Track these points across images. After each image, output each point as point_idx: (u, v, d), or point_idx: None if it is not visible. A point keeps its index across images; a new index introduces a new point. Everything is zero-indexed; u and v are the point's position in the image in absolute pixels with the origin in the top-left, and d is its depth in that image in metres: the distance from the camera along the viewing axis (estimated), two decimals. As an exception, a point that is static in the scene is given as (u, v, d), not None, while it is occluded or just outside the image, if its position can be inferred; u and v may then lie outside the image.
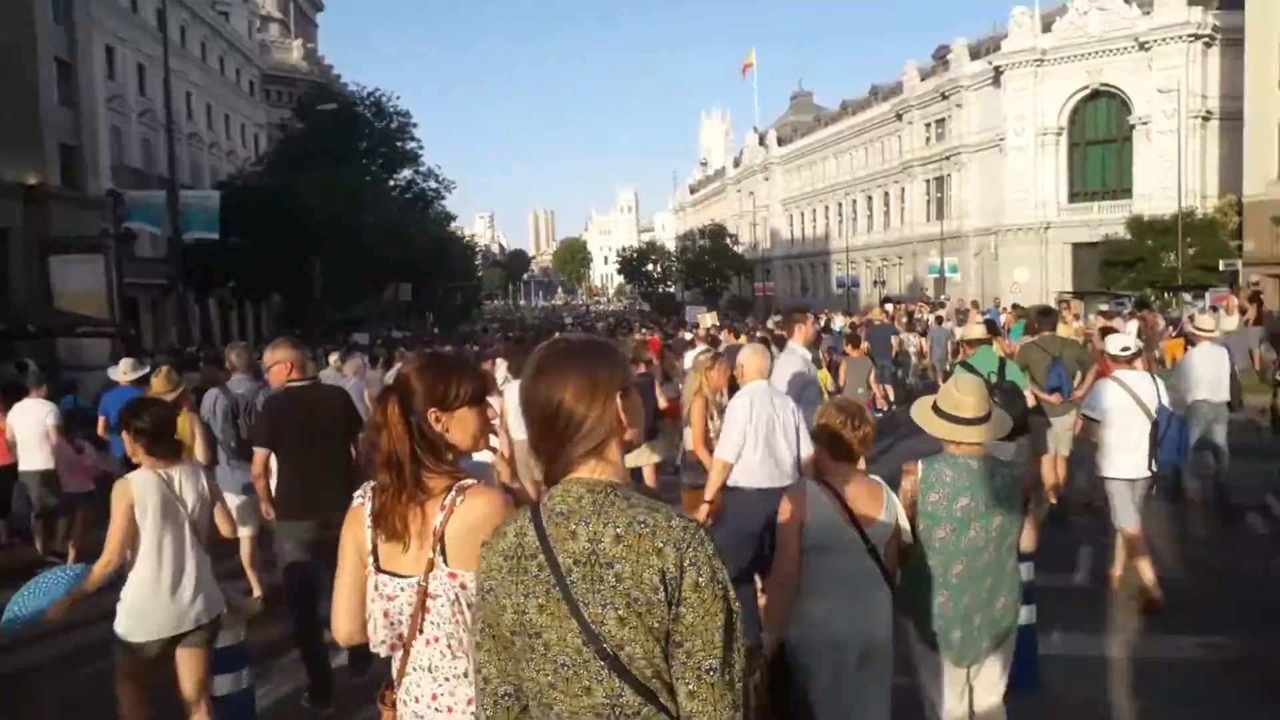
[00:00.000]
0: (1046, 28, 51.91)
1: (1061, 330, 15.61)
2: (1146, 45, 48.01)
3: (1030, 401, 8.73)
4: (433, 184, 57.06)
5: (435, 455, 2.46)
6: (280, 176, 41.56)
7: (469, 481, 2.46)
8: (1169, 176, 44.18)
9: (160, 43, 41.44)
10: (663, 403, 10.55)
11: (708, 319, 27.99)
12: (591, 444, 1.87)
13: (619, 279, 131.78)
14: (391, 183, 54.88)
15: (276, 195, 36.18)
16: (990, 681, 3.95)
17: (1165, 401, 6.89)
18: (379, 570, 2.46)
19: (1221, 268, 34.61)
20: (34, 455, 8.89)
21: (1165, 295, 32.82)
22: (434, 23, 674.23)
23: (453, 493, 2.42)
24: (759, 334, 18.51)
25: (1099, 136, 52.43)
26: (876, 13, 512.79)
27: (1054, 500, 9.35)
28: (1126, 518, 6.87)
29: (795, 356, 7.67)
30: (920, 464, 3.86)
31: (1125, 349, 7.30)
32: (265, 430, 5.72)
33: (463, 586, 2.37)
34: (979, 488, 3.73)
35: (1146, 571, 6.79)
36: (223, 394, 7.75)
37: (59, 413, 9.23)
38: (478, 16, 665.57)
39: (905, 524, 3.79)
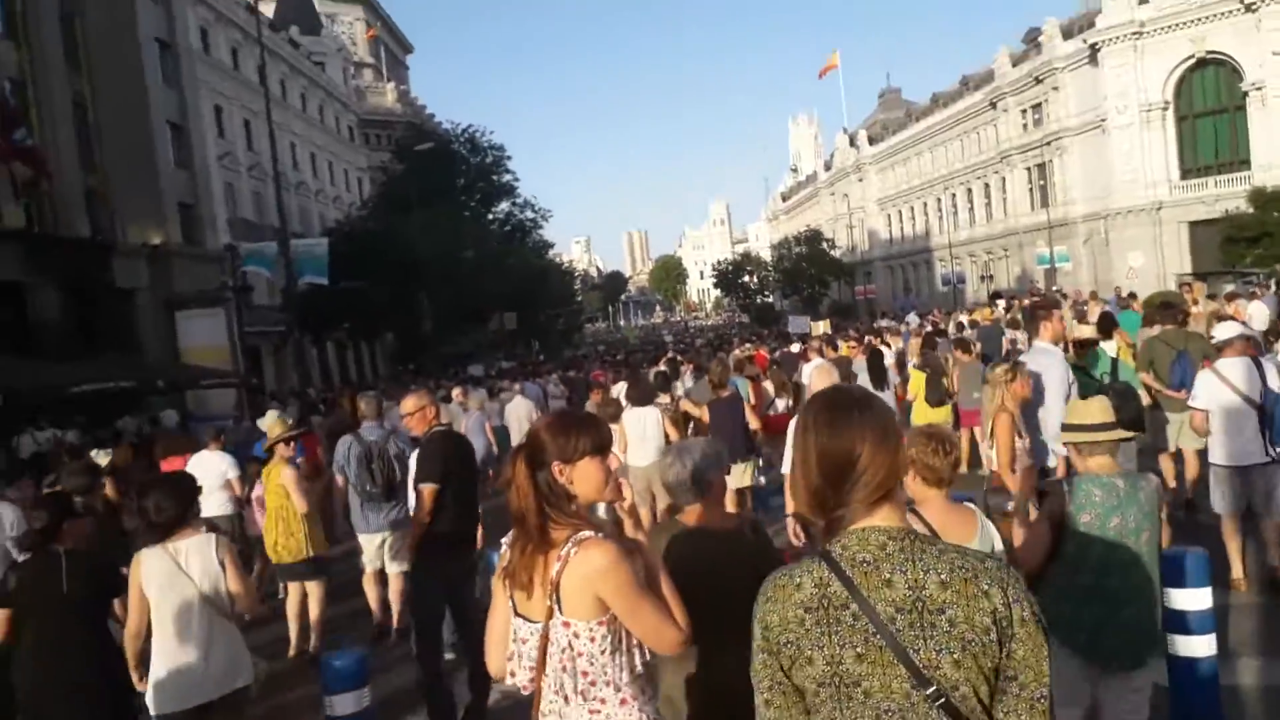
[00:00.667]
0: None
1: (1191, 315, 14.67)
2: (1254, 6, 45.54)
3: (1145, 399, 8.49)
4: (530, 214, 58.06)
5: (560, 509, 2.58)
6: (384, 219, 42.82)
7: (586, 534, 2.56)
8: (1289, 143, 41.98)
9: (263, 97, 43.42)
10: (754, 423, 10.09)
11: (820, 327, 27.59)
12: (882, 491, 1.91)
13: (716, 293, 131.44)
14: (490, 216, 56.01)
15: (381, 239, 37.28)
16: (1135, 693, 3.96)
17: (1274, 385, 6.75)
18: (516, 614, 2.65)
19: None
20: (210, 501, 9.21)
21: (1298, 271, 31.02)
22: (518, 53, 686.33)
23: (569, 545, 2.53)
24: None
25: (1209, 107, 50.02)
26: (960, 1, 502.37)
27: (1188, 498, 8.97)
28: (1219, 503, 6.92)
29: (1049, 358, 6.80)
30: (1067, 485, 3.94)
31: (1212, 337, 7.38)
32: (437, 466, 5.86)
33: (575, 635, 2.53)
34: (1128, 507, 3.83)
35: (1233, 551, 6.86)
36: (356, 441, 8.06)
37: (236, 463, 9.77)
38: (559, 45, 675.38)
39: (1000, 546, 3.85)
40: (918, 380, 11.35)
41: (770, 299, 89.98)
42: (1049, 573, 3.93)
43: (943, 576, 1.82)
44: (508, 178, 55.07)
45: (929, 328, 21.77)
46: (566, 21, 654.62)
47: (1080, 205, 55.04)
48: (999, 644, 1.80)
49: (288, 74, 48.66)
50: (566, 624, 2.52)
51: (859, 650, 1.83)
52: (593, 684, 2.54)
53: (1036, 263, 55.35)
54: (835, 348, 18.83)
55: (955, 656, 1.79)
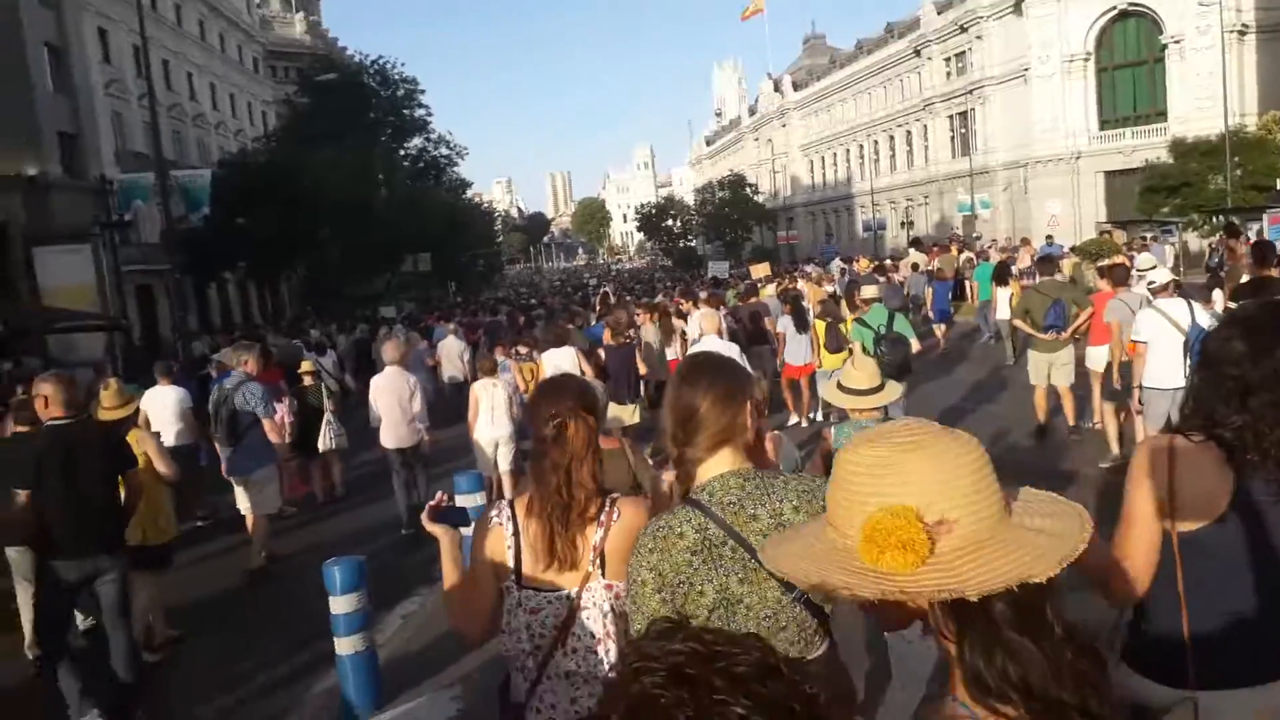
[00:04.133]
0: (1069, -51, 49.67)
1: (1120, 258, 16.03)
2: (1175, -41, 45.67)
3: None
4: (444, 151, 55.88)
5: (596, 473, 2.59)
6: (287, 153, 40.59)
7: (615, 494, 2.63)
8: (1206, 96, 42.19)
9: (157, 23, 40.57)
10: (643, 369, 11.34)
11: (761, 270, 27.05)
12: (720, 439, 2.32)
13: (639, 236, 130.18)
14: (402, 152, 53.78)
15: (282, 172, 35.17)
16: None
17: (1201, 322, 7.68)
18: (521, 586, 2.54)
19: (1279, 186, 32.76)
20: (169, 433, 9.76)
21: (1214, 219, 31.17)
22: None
23: (607, 507, 2.56)
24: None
25: (1129, 59, 50.15)
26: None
27: (1041, 421, 10.70)
28: (1153, 421, 7.89)
29: None
30: (831, 430, 4.82)
31: (1151, 283, 8.62)
32: (28, 471, 5.39)
33: (616, 596, 2.51)
34: None
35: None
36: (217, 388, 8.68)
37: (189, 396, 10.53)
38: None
39: (796, 457, 4.68)
40: (819, 328, 12.30)
41: (693, 243, 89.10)
42: None
43: (793, 503, 2.26)
44: (420, 112, 52.70)
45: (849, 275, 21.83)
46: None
47: (1001, 154, 55.10)
48: None
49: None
50: (610, 586, 2.52)
51: (739, 575, 2.19)
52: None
53: (957, 210, 55.43)
54: (754, 292, 18.22)
55: None
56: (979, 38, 56.29)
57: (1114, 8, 48.66)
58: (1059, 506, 1.34)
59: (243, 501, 8.71)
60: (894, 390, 4.82)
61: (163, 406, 10.07)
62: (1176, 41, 46.25)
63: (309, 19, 70.35)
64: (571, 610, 2.50)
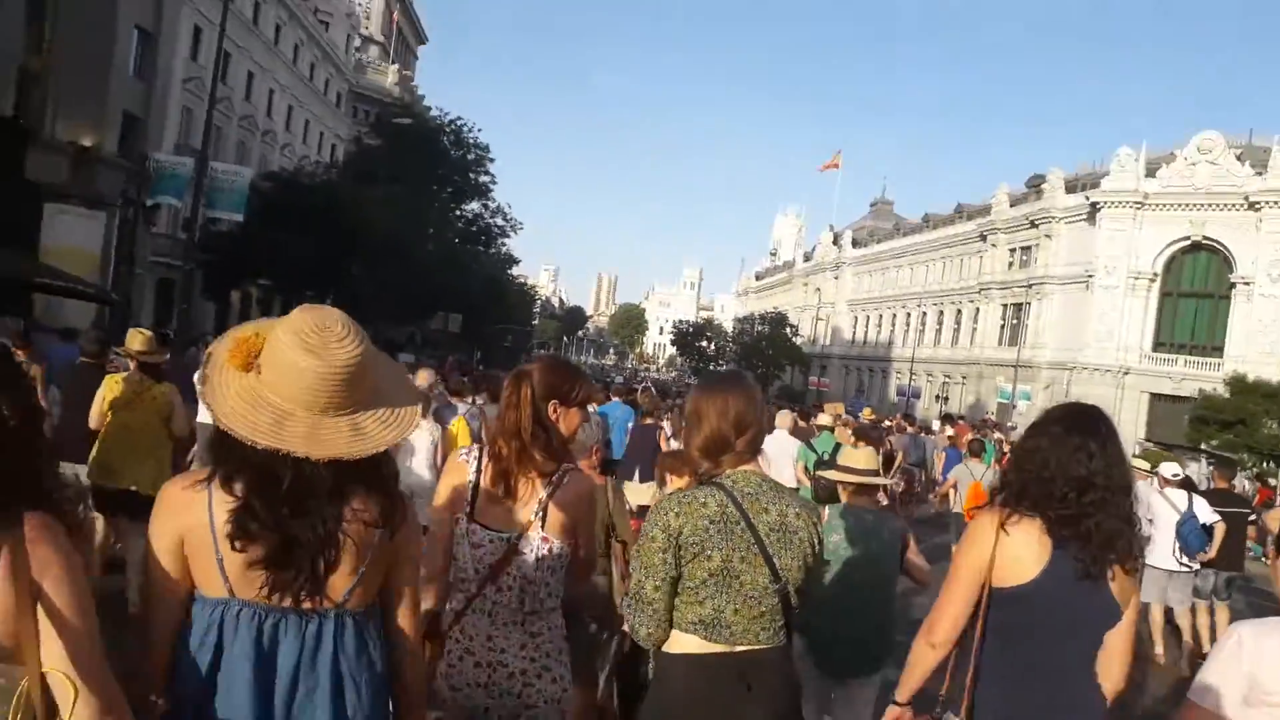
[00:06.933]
0: (1150, 173, 50.02)
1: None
2: (1256, 205, 45.80)
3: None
4: (500, 221, 55.63)
5: (550, 441, 2.88)
6: (343, 181, 40.25)
7: (573, 465, 2.99)
8: (1268, 340, 41.50)
9: (252, 36, 41.00)
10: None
11: (835, 409, 26.39)
12: (758, 444, 2.72)
13: (671, 350, 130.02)
14: (458, 212, 53.57)
15: (332, 199, 34.60)
16: (861, 702, 4.55)
17: (1199, 513, 8.84)
18: (470, 519, 2.85)
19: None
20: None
21: (1265, 464, 29.88)
22: (530, 83, 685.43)
23: (560, 471, 2.90)
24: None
25: (1194, 289, 49.88)
26: (967, 135, 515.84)
27: None
28: (1149, 596, 8.74)
29: None
30: (826, 510, 4.65)
31: (1175, 474, 9.57)
32: None
33: (550, 551, 2.84)
34: (872, 538, 4.58)
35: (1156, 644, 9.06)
36: None
37: None
38: (577, 78, 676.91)
39: None
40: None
41: (724, 368, 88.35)
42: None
43: (795, 509, 2.63)
44: (485, 179, 52.65)
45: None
46: (585, 58, 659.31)
47: (1048, 351, 54.37)
48: (817, 554, 2.68)
49: (285, 20, 46.25)
50: (546, 539, 2.83)
51: (742, 554, 2.52)
52: (550, 597, 2.87)
53: (997, 396, 54.42)
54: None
55: (799, 562, 2.60)
56: (1048, 236, 56.20)
57: (1188, 238, 48.48)
58: (401, 415, 2.05)
59: None
60: (882, 479, 5.30)
61: None
62: (1246, 283, 45.90)
63: (402, 72, 71.61)
64: (509, 553, 2.80)
